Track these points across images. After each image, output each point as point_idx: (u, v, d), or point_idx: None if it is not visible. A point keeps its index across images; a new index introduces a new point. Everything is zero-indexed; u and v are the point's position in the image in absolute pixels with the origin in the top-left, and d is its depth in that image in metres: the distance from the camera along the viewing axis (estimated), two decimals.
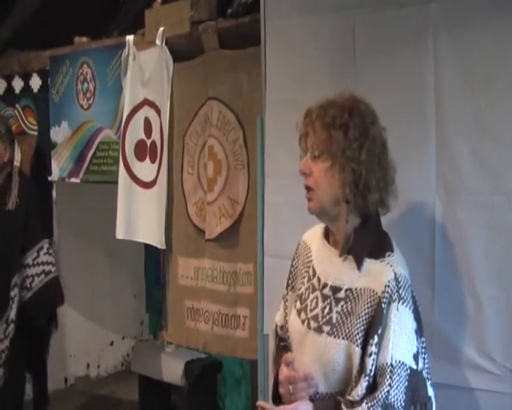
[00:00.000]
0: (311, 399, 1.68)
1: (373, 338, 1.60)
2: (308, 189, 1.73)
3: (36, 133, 4.20)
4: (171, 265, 3.39)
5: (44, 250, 3.59)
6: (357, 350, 1.61)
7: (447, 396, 1.88)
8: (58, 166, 3.96)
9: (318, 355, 1.67)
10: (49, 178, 4.05)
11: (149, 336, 5.27)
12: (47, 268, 3.58)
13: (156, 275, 4.06)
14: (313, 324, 1.71)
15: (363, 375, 1.60)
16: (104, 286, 5.03)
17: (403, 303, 1.62)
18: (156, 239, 3.40)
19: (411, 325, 1.63)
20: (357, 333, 1.62)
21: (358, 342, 1.62)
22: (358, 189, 1.65)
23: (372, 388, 1.59)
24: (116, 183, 3.53)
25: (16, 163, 3.62)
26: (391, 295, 1.61)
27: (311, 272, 1.81)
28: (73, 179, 3.91)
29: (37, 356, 3.77)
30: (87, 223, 4.74)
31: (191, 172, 3.27)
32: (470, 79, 2.02)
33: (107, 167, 3.69)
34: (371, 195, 1.66)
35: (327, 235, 1.81)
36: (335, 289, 1.71)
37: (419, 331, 1.65)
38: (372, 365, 1.59)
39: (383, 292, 1.61)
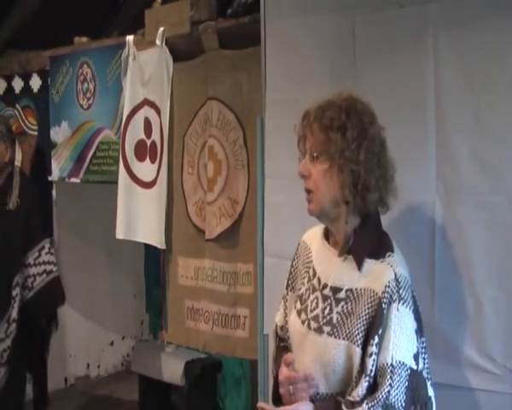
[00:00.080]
0: (312, 399, 1.68)
1: (373, 338, 1.60)
2: (308, 191, 1.72)
3: (36, 133, 4.20)
4: (171, 265, 3.39)
5: (46, 250, 3.59)
6: (358, 350, 1.61)
7: (447, 396, 1.88)
8: (58, 166, 3.96)
9: (319, 356, 1.67)
10: (49, 178, 4.05)
11: (149, 336, 5.27)
12: (48, 268, 3.58)
13: (156, 275, 4.06)
14: (313, 324, 1.71)
15: (363, 375, 1.60)
16: (104, 286, 5.03)
17: (403, 303, 1.62)
18: (156, 239, 3.40)
19: (411, 325, 1.63)
20: (358, 333, 1.62)
21: (359, 342, 1.62)
22: (357, 189, 1.65)
23: (372, 388, 1.59)
24: (116, 183, 3.53)
25: (17, 163, 3.61)
26: (391, 296, 1.61)
27: (311, 273, 1.80)
28: (73, 179, 3.91)
29: (37, 356, 3.77)
30: (87, 223, 4.74)
31: (191, 172, 3.27)
32: (470, 79, 2.02)
33: (107, 167, 3.69)
34: (370, 194, 1.66)
35: (327, 235, 1.80)
36: (336, 290, 1.71)
37: (419, 331, 1.65)
38: (372, 365, 1.59)
39: (383, 292, 1.61)
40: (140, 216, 3.48)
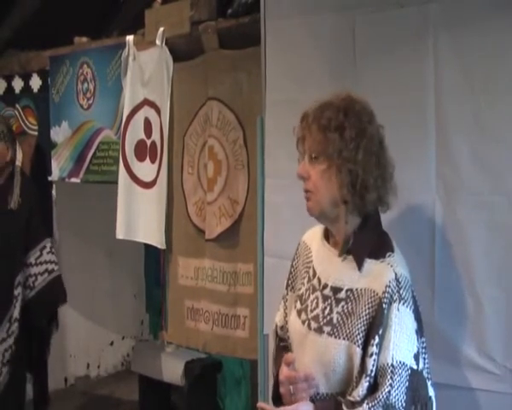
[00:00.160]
0: (312, 400, 1.68)
1: (374, 339, 1.60)
2: (307, 192, 1.73)
3: (36, 133, 4.20)
4: (171, 265, 3.39)
5: (47, 249, 3.60)
6: (358, 351, 1.61)
7: (447, 396, 1.87)
8: (58, 166, 3.97)
9: (319, 356, 1.67)
10: (49, 178, 4.05)
11: (149, 336, 5.27)
12: (50, 267, 3.59)
13: (156, 275, 4.06)
14: (314, 324, 1.71)
15: (363, 375, 1.60)
16: (104, 286, 5.03)
17: (403, 303, 1.62)
18: (156, 239, 3.40)
19: (412, 325, 1.63)
20: (358, 334, 1.62)
21: (359, 342, 1.62)
22: (356, 189, 1.65)
23: (373, 388, 1.60)
24: (116, 183, 3.53)
25: (18, 163, 3.61)
26: (391, 296, 1.61)
27: (311, 273, 1.80)
28: (73, 179, 3.91)
29: (37, 356, 3.77)
30: (87, 223, 4.74)
31: (191, 172, 3.27)
32: (470, 79, 2.02)
33: (107, 167, 3.69)
34: (369, 194, 1.66)
35: (327, 235, 1.80)
36: (336, 290, 1.71)
37: (419, 331, 1.65)
38: (373, 365, 1.59)
39: (384, 292, 1.61)
40: (140, 216, 3.48)
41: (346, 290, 1.68)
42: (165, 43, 3.29)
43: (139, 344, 4.84)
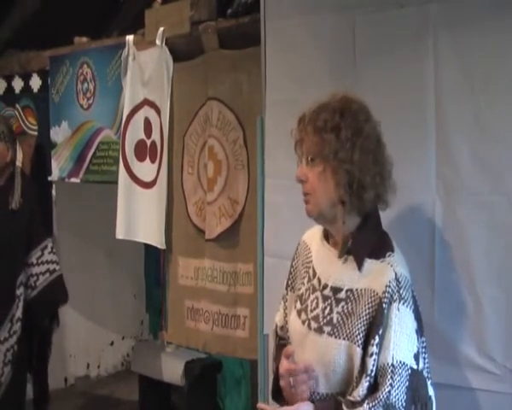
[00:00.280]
0: (312, 400, 1.68)
1: (374, 338, 1.60)
2: (306, 195, 1.73)
3: (36, 133, 4.20)
4: (171, 265, 3.40)
5: (49, 249, 3.60)
6: (358, 351, 1.61)
7: (447, 396, 1.88)
8: (58, 166, 3.97)
9: (319, 356, 1.67)
10: (49, 178, 4.06)
11: (149, 336, 5.27)
12: (51, 267, 3.59)
13: (156, 275, 4.06)
14: (314, 324, 1.71)
15: (364, 375, 1.60)
16: (104, 286, 5.03)
17: (403, 303, 1.62)
18: (156, 239, 3.40)
19: (412, 324, 1.63)
20: (358, 333, 1.62)
21: (359, 342, 1.62)
22: (353, 189, 1.65)
23: (373, 388, 1.60)
24: (116, 183, 3.53)
25: (18, 163, 3.61)
26: (392, 296, 1.61)
27: (311, 273, 1.80)
28: (73, 179, 3.91)
29: (38, 356, 3.77)
30: (87, 223, 4.74)
31: (191, 172, 3.27)
32: (470, 79, 2.02)
33: (107, 167, 3.69)
34: (367, 193, 1.66)
35: (326, 235, 1.80)
36: (336, 290, 1.71)
37: (419, 331, 1.65)
38: (373, 365, 1.59)
39: (384, 292, 1.61)
40: (140, 216, 3.48)
41: (346, 290, 1.69)
42: (165, 43, 3.29)
43: (139, 344, 4.84)
